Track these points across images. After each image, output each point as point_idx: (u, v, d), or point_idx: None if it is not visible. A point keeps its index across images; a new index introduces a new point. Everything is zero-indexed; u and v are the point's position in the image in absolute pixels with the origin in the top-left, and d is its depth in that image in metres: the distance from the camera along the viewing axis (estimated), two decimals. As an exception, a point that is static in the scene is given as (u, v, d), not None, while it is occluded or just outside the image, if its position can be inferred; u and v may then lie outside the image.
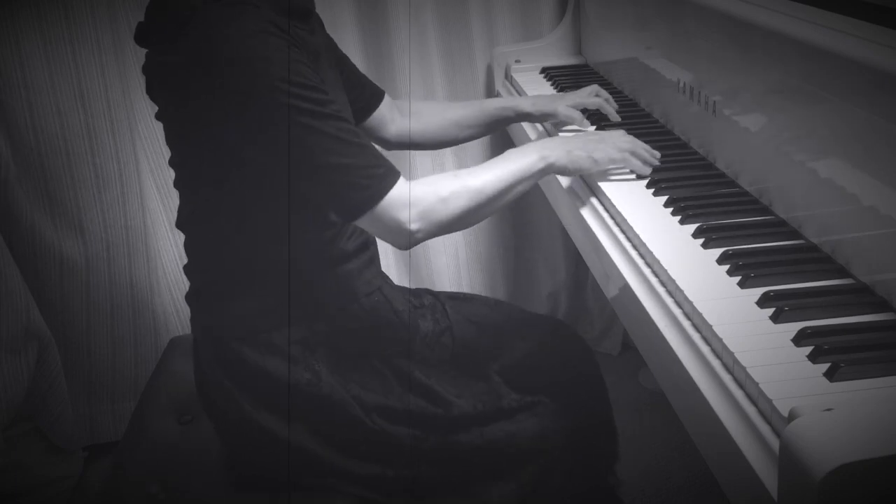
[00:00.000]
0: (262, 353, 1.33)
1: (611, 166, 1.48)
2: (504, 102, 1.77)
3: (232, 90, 1.19)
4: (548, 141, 1.44)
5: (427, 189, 1.28)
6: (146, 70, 1.34)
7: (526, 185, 1.37)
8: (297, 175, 1.24)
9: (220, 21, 1.20)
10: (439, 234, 1.31)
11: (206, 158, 1.30)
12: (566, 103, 1.75)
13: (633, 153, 1.48)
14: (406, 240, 1.28)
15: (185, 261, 1.44)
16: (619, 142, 1.48)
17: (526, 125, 1.94)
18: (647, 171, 1.49)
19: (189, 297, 1.43)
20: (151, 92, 1.35)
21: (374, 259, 1.48)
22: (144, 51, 1.33)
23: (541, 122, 1.85)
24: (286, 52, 1.20)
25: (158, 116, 1.36)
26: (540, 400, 1.41)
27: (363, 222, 1.27)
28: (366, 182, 1.23)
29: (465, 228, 1.38)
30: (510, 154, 1.39)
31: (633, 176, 1.51)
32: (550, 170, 1.40)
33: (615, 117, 1.76)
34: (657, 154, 1.52)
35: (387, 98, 1.67)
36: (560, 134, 1.76)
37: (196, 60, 1.21)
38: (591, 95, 1.78)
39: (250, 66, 1.18)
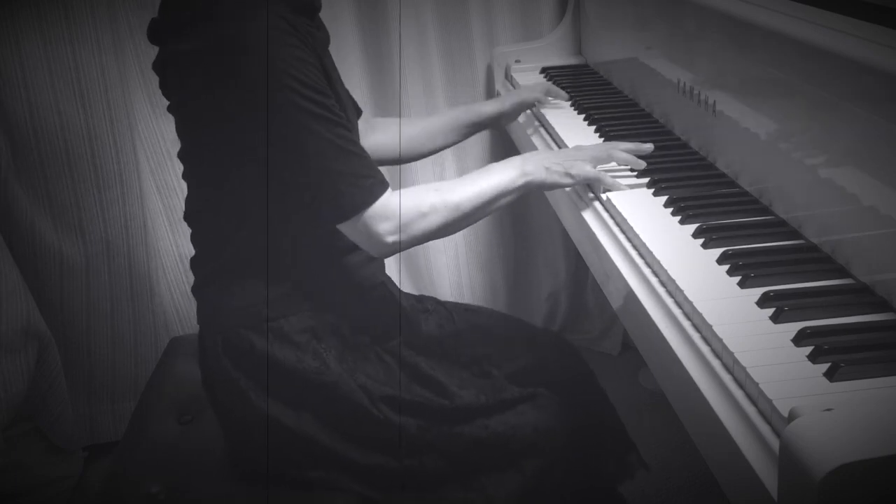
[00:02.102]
0: (270, 342, 1.34)
1: (585, 183, 1.49)
2: (472, 108, 1.81)
3: (243, 83, 1.23)
4: (529, 156, 1.47)
5: (408, 203, 1.32)
6: (158, 66, 1.36)
7: (506, 200, 1.41)
8: (293, 173, 1.27)
9: (236, 13, 1.23)
10: (414, 245, 1.36)
11: (218, 149, 1.32)
12: (529, 89, 1.89)
13: (613, 160, 1.49)
14: (381, 250, 1.33)
15: (186, 261, 1.45)
16: (598, 154, 1.49)
17: (529, 131, 1.95)
18: (622, 187, 1.48)
19: (195, 290, 1.44)
20: (164, 86, 1.38)
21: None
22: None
23: (521, 115, 1.94)
24: (297, 50, 1.24)
25: (170, 109, 1.39)
26: (540, 392, 1.42)
27: (345, 227, 1.31)
28: (352, 191, 1.27)
29: (445, 237, 1.43)
30: (492, 168, 1.42)
31: (633, 173, 1.53)
32: (530, 186, 1.43)
33: (564, 96, 1.95)
34: (646, 148, 1.53)
35: (364, 114, 1.68)
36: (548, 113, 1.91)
37: (211, 51, 1.24)
38: (539, 86, 1.94)
39: (262, 61, 1.22)
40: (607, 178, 1.48)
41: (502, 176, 1.40)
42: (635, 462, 1.59)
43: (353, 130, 1.41)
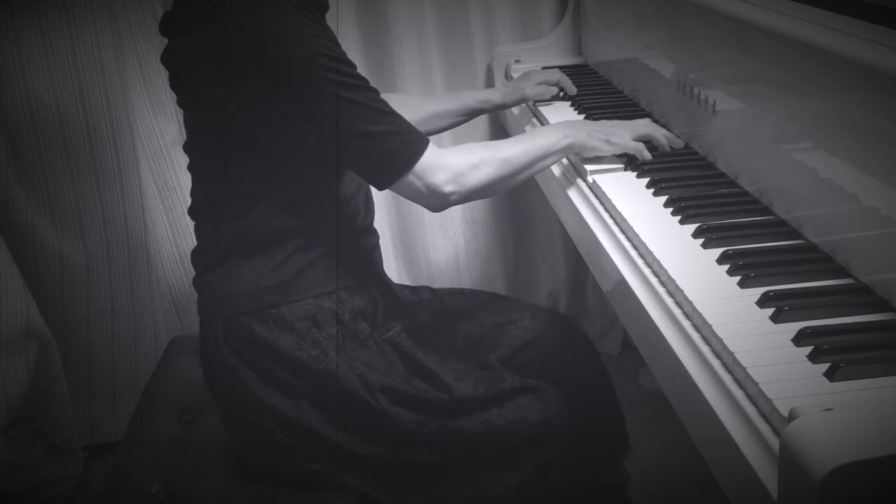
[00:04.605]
0: (270, 329, 1.35)
1: (623, 151, 1.56)
2: (480, 96, 1.86)
3: (273, 68, 1.25)
4: (573, 122, 1.56)
5: (460, 156, 1.36)
6: (168, 59, 1.38)
7: (549, 160, 1.48)
8: (332, 147, 1.30)
9: (255, 3, 1.25)
10: (470, 198, 1.39)
11: (233, 138, 1.33)
12: (532, 83, 1.90)
13: (651, 138, 1.57)
14: (440, 202, 1.36)
15: (186, 261, 1.46)
16: (639, 129, 1.57)
17: (519, 116, 1.99)
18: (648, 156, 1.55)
19: (196, 281, 1.45)
20: (175, 79, 1.39)
21: (377, 247, 1.53)
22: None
23: (516, 107, 1.98)
24: (319, 29, 1.27)
25: (180, 103, 1.40)
26: (540, 384, 1.42)
27: (399, 187, 1.33)
28: (401, 148, 1.31)
29: (492, 196, 1.50)
30: (536, 131, 1.49)
31: (622, 166, 1.57)
32: (572, 148, 1.51)
33: (572, 90, 1.96)
34: (679, 143, 1.60)
35: None
36: (541, 108, 1.96)
37: (232, 41, 1.25)
38: (550, 73, 1.97)
39: (290, 43, 1.24)
40: (646, 151, 1.54)
41: (547, 137, 1.46)
42: (622, 439, 1.62)
43: None
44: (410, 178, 1.31)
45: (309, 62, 1.24)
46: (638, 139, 1.54)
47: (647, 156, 1.54)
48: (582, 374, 1.60)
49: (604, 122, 1.59)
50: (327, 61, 1.25)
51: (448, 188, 1.34)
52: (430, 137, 1.37)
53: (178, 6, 1.35)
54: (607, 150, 1.53)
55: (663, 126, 1.74)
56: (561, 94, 1.99)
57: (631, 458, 1.65)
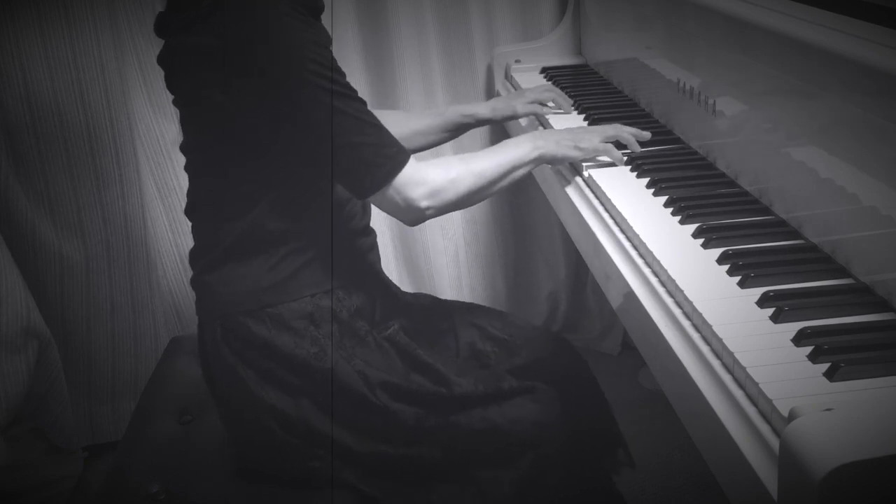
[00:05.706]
0: (269, 328, 1.35)
1: (594, 155, 1.57)
2: (464, 110, 1.82)
3: (265, 71, 1.26)
4: (541, 132, 1.58)
5: (437, 170, 1.37)
6: (164, 59, 1.38)
7: (521, 171, 1.48)
8: (318, 153, 1.31)
9: (251, 4, 1.26)
10: (445, 212, 1.40)
11: (230, 139, 1.33)
12: (524, 101, 1.87)
13: (619, 138, 1.58)
14: (416, 216, 1.37)
15: (186, 261, 1.46)
16: (606, 131, 1.59)
17: (523, 123, 1.97)
18: (623, 160, 1.57)
19: (194, 281, 1.45)
20: (171, 79, 1.39)
21: (375, 247, 1.53)
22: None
23: (503, 123, 1.95)
24: (313, 35, 1.28)
25: (177, 103, 1.40)
26: (538, 386, 1.42)
27: (376, 199, 1.35)
28: (380, 161, 1.31)
29: (466, 208, 1.49)
30: (507, 143, 1.49)
31: (623, 161, 1.58)
32: (542, 159, 1.51)
33: (569, 109, 1.92)
34: (646, 136, 1.61)
35: None
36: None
37: (228, 42, 1.26)
38: (545, 91, 1.92)
39: (282, 47, 1.26)
40: (615, 151, 1.56)
41: (518, 149, 1.47)
42: (622, 458, 1.60)
43: None
44: (390, 192, 1.32)
45: (299, 66, 1.25)
46: (605, 141, 1.56)
47: (617, 154, 1.56)
48: (578, 387, 1.60)
49: (571, 129, 1.60)
50: (317, 67, 1.26)
51: (424, 203, 1.35)
52: (426, 152, 1.37)
53: (173, 5, 1.35)
54: (577, 155, 1.54)
55: (663, 126, 1.75)
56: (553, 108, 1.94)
57: (628, 458, 1.64)
